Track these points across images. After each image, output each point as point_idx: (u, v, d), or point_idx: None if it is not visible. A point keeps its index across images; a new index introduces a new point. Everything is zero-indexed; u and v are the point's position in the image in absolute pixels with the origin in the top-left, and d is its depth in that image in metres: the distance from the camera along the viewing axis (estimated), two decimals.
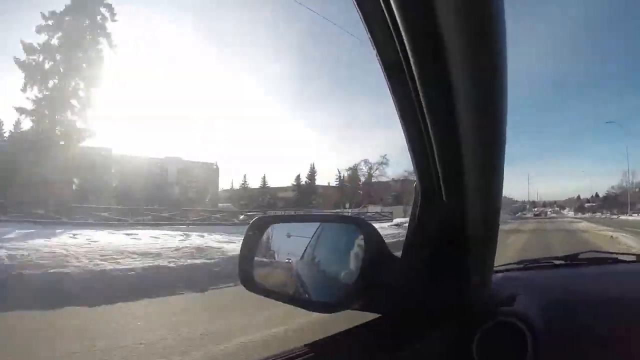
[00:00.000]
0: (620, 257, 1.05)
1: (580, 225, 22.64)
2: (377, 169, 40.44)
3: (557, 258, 1.05)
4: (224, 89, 71.89)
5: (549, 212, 76.72)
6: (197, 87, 67.03)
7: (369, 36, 0.45)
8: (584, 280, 0.91)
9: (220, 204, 31.73)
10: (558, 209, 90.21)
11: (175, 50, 59.04)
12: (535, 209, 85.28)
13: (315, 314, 0.60)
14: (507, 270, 0.96)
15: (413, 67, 0.42)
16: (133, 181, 25.45)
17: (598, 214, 51.74)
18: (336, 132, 72.55)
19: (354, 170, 41.02)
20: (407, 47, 0.40)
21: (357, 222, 0.57)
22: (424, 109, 0.46)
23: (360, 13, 0.43)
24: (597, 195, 75.89)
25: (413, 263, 0.58)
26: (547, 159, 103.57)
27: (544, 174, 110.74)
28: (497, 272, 0.89)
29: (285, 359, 0.50)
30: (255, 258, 0.67)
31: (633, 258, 1.09)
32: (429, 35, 0.38)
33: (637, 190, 43.92)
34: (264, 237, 0.67)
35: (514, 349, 0.60)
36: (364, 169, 41.03)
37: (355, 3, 0.41)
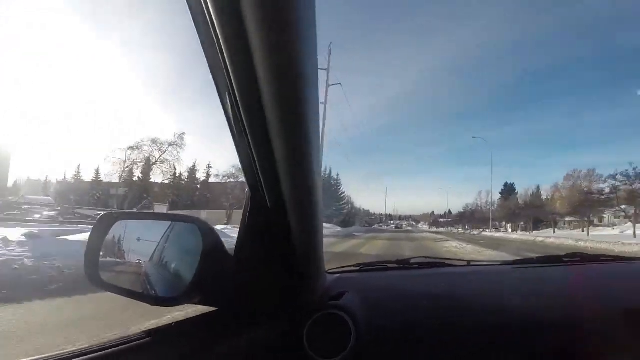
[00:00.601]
0: (448, 262, 1.14)
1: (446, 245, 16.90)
2: (167, 150, 31.12)
3: (391, 262, 1.12)
4: None
5: (404, 225, 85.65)
6: None
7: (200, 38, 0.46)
8: (411, 281, 1.00)
9: (31, 196, 24.38)
10: (414, 223, 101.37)
11: None
12: (392, 222, 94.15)
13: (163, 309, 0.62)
14: (343, 272, 1.03)
15: (232, 78, 0.44)
16: None
17: (456, 229, 55.70)
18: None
19: (135, 149, 30.74)
20: (224, 57, 0.42)
21: (196, 221, 0.61)
22: (243, 119, 0.49)
23: (192, 15, 0.44)
24: (450, 212, 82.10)
25: (245, 261, 0.63)
26: (406, 175, 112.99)
27: (403, 188, 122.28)
28: (333, 273, 0.98)
29: (123, 343, 0.52)
30: (106, 256, 0.67)
31: (463, 263, 1.19)
32: (241, 50, 0.40)
33: (494, 207, 49.51)
34: (112, 233, 0.67)
35: (340, 336, 0.67)
36: (149, 149, 31.27)
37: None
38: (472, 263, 1.21)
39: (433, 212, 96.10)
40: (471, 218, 55.36)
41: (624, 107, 57.41)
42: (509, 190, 56.74)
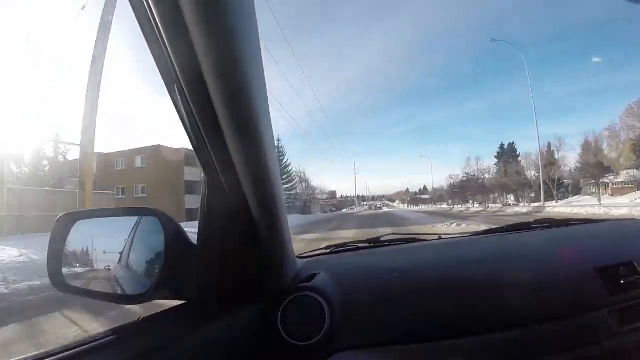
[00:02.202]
0: (420, 237, 1.14)
1: None
2: None
3: (362, 241, 1.13)
4: None
5: (378, 205, 75.47)
6: None
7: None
8: (382, 257, 0.99)
9: None
10: (389, 202, 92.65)
11: None
12: (365, 203, 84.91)
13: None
14: (315, 255, 1.04)
15: (176, 69, 0.44)
16: None
17: (449, 206, 48.27)
18: None
19: None
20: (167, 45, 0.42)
21: (156, 214, 0.60)
22: (192, 107, 0.48)
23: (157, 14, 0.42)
24: (425, 188, 78.30)
25: (209, 250, 0.62)
26: (377, 156, 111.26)
27: (374, 170, 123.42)
28: (304, 257, 1.00)
29: (88, 343, 0.51)
30: (70, 258, 0.65)
31: (435, 237, 1.19)
32: (182, 40, 0.40)
33: (489, 175, 45.33)
34: (74, 234, 0.65)
35: (314, 317, 0.67)
36: None
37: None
38: (443, 236, 1.22)
39: (407, 189, 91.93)
40: (464, 190, 44.37)
41: (583, 78, 55.90)
42: (508, 153, 45.13)
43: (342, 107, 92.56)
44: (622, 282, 0.81)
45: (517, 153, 44.12)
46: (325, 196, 57.21)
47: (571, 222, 1.25)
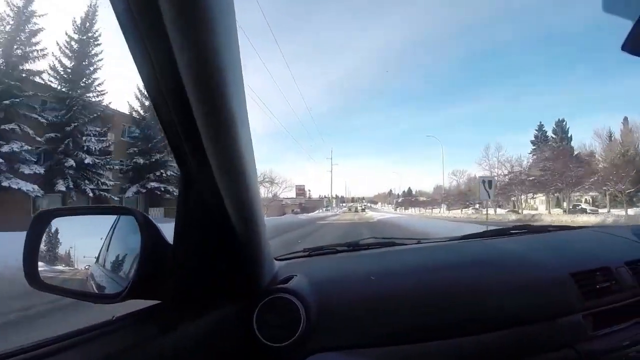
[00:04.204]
0: (399, 241, 1.15)
1: None
2: None
3: (340, 245, 1.12)
4: None
5: (358, 208, 62.82)
6: None
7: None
8: (360, 261, 0.99)
9: None
10: (370, 204, 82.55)
11: None
12: (344, 204, 73.68)
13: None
14: (293, 257, 1.04)
15: (154, 64, 0.43)
16: None
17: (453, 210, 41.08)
18: None
19: None
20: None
21: (133, 213, 0.59)
22: (169, 106, 0.47)
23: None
24: (409, 190, 74.17)
25: (185, 251, 0.61)
26: (358, 158, 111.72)
27: (355, 173, 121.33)
28: (282, 259, 1.00)
29: (62, 340, 0.51)
30: (47, 256, 0.64)
31: (414, 241, 1.18)
32: (158, 31, 0.39)
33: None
34: (51, 231, 0.65)
35: (289, 319, 0.67)
36: None
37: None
38: (422, 241, 1.20)
39: (390, 190, 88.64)
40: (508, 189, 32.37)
41: (564, 87, 57.79)
42: (558, 133, 32.45)
43: (325, 109, 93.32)
44: (597, 287, 0.84)
45: (569, 134, 31.68)
46: (285, 189, 42.05)
47: (549, 229, 1.27)
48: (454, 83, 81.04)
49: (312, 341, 0.67)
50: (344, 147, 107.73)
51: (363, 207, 69.61)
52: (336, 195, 77.64)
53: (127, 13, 0.39)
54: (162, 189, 24.43)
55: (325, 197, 68.68)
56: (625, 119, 29.81)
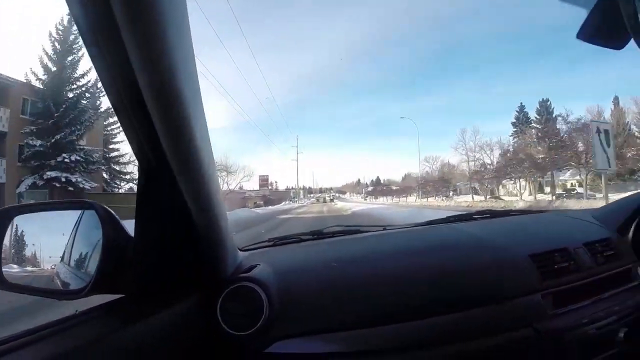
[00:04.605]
0: (364, 229, 1.16)
1: None
2: None
3: (305, 234, 1.13)
4: None
5: (327, 198, 59.70)
6: None
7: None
8: (324, 248, 1.00)
9: None
10: (338, 194, 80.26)
11: None
12: (312, 195, 70.58)
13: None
14: (257, 247, 1.04)
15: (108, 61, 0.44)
16: None
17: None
18: None
19: None
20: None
21: (94, 206, 0.59)
22: (122, 99, 0.48)
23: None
24: (378, 179, 72.19)
25: (146, 243, 0.60)
26: (325, 149, 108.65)
27: (322, 165, 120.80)
28: (246, 250, 1.00)
29: (25, 335, 0.50)
30: (11, 254, 0.63)
31: (380, 229, 1.19)
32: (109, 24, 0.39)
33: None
34: (14, 229, 0.63)
35: (253, 308, 0.68)
36: None
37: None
38: (387, 228, 1.21)
39: (359, 179, 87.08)
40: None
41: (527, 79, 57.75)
42: (543, 113, 30.17)
43: (291, 100, 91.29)
44: (555, 267, 0.86)
45: (554, 115, 29.38)
46: (243, 178, 36.30)
47: (511, 213, 1.33)
48: (423, 74, 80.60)
49: (276, 328, 0.68)
50: (311, 138, 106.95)
51: (332, 197, 67.47)
52: (303, 187, 73.59)
53: (83, 16, 0.40)
54: (64, 180, 18.32)
55: (292, 188, 64.07)
56: (616, 98, 28.19)
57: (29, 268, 0.63)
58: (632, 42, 0.59)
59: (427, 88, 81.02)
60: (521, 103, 34.70)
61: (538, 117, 31.90)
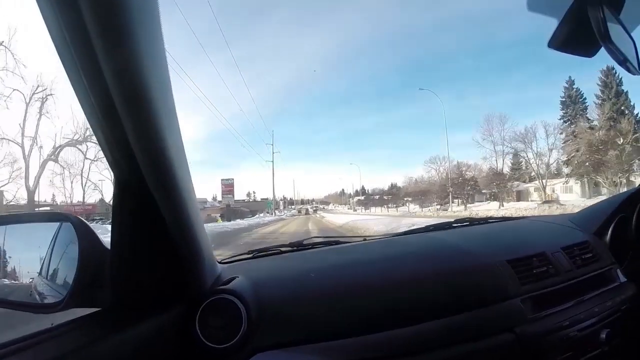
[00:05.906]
0: (343, 240, 1.16)
1: None
2: None
3: (284, 245, 1.12)
4: None
5: (310, 209, 51.37)
6: None
7: None
8: (304, 260, 1.01)
9: None
10: (322, 206, 72.36)
11: None
12: (293, 207, 62.23)
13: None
14: (237, 260, 1.03)
15: (79, 68, 0.44)
16: None
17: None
18: None
19: None
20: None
21: (70, 219, 0.59)
22: (95, 105, 0.47)
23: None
24: (363, 188, 68.71)
25: (122, 256, 0.60)
26: (307, 160, 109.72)
27: (304, 175, 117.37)
28: (226, 262, 0.99)
29: None
30: None
31: (360, 239, 1.21)
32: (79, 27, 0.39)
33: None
34: None
35: (231, 320, 0.68)
36: None
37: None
38: (367, 238, 1.22)
39: (343, 189, 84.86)
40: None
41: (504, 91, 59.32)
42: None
43: (271, 111, 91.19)
44: (534, 271, 0.87)
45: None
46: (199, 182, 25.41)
47: (490, 220, 1.32)
48: (401, 85, 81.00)
49: (256, 340, 0.68)
50: (291, 150, 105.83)
51: (315, 208, 59.28)
52: (284, 197, 64.08)
53: (54, 23, 0.40)
54: None
55: (266, 198, 54.36)
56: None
57: (5, 281, 0.61)
58: (602, 50, 0.62)
59: (400, 99, 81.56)
60: (570, 77, 27.14)
61: (603, 90, 23.85)
